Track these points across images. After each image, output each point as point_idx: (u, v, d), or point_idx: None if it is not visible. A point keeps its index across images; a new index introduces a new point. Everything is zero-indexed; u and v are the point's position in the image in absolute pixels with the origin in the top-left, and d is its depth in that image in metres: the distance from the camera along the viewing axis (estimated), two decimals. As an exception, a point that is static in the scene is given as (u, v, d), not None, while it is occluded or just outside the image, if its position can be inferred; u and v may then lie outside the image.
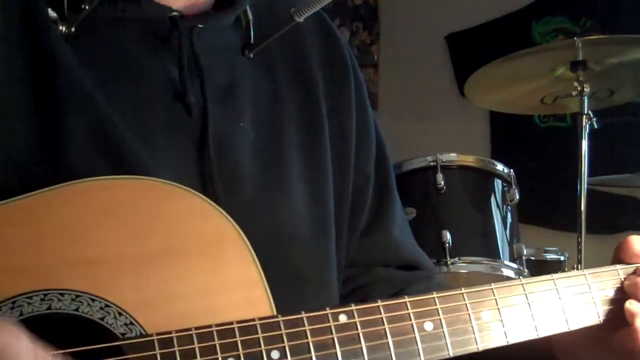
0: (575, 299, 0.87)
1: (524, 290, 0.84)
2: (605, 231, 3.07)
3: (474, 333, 0.80)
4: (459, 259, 2.05)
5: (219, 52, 0.91)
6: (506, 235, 2.18)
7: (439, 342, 0.78)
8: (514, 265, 2.12)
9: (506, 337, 0.82)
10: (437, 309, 0.79)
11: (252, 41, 0.94)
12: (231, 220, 0.76)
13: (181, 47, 0.86)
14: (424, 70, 3.63)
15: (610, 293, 0.89)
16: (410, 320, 0.77)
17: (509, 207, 2.22)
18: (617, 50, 2.25)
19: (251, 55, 0.94)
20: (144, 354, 0.67)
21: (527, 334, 0.83)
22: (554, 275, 0.87)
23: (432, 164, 2.14)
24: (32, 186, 0.71)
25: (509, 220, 2.22)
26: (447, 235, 2.05)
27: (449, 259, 2.03)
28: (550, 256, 2.41)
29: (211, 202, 0.76)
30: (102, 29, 0.83)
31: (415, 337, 0.77)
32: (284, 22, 0.92)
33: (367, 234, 1.03)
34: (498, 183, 2.22)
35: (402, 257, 1.06)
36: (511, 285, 0.84)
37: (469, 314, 0.80)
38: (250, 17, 0.94)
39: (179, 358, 0.68)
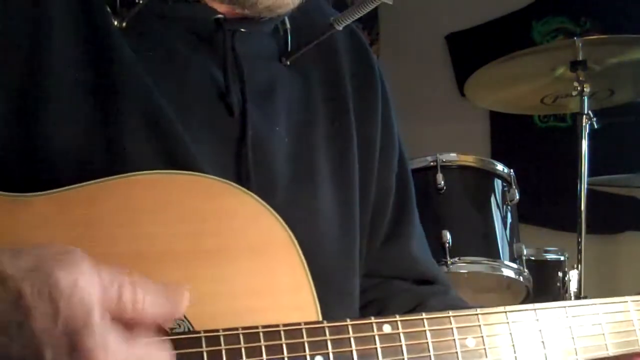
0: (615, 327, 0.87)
1: (566, 314, 0.84)
2: (605, 231, 3.08)
3: (514, 352, 0.80)
4: (459, 259, 2.05)
5: (258, 57, 0.93)
6: (506, 235, 2.17)
7: (480, 359, 0.78)
8: (514, 265, 2.12)
9: (546, 358, 0.82)
10: (479, 325, 0.79)
11: (289, 49, 0.96)
12: (282, 222, 0.76)
13: (225, 48, 0.88)
14: (424, 70, 3.63)
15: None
16: (453, 335, 0.77)
17: (509, 207, 2.22)
18: (617, 50, 2.25)
19: (288, 63, 0.96)
20: (191, 350, 0.67)
21: (565, 357, 0.83)
22: (629, 298, 0.89)
23: (432, 164, 2.14)
24: (87, 173, 0.72)
25: (509, 220, 2.21)
26: (447, 235, 2.04)
27: (449, 259, 2.03)
28: (550, 256, 2.40)
29: (264, 202, 0.76)
30: (151, 25, 0.85)
31: (457, 353, 0.77)
32: (321, 30, 0.94)
33: (385, 247, 1.04)
34: (498, 183, 2.21)
35: (419, 271, 1.08)
36: (554, 308, 0.84)
37: (510, 333, 0.80)
38: (288, 25, 0.96)
39: (225, 357, 0.68)
